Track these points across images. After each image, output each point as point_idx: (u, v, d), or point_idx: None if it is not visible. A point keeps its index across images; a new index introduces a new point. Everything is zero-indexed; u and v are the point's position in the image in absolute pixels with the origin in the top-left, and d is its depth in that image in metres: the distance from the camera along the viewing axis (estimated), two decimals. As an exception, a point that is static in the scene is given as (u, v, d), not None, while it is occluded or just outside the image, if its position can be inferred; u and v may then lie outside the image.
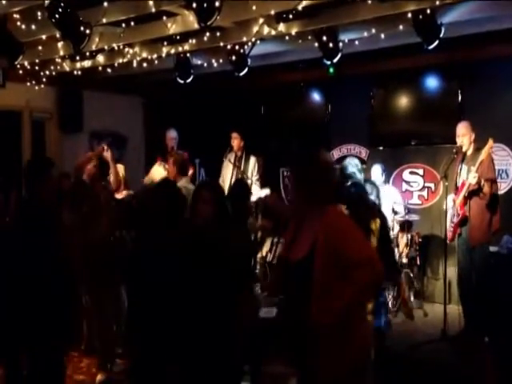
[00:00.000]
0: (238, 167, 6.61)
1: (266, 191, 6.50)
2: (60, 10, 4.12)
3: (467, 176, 4.92)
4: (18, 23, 4.78)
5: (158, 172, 5.55)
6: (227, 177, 6.76)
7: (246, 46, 5.53)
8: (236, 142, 6.72)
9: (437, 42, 4.59)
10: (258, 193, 6.42)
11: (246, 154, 6.74)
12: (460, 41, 5.24)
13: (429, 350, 4.80)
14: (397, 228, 5.97)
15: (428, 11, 4.37)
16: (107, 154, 4.94)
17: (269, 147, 7.62)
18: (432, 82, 6.46)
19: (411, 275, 5.95)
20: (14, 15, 4.66)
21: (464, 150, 5.11)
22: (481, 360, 4.40)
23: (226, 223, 3.04)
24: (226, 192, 6.50)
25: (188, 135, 7.21)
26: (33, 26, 4.82)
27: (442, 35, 4.57)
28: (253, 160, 6.71)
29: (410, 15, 4.51)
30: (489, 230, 4.99)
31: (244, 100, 7.62)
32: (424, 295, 6.29)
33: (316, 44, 5.11)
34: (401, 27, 4.77)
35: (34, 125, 7.31)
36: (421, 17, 4.42)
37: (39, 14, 4.55)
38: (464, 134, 5.09)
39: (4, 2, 4.32)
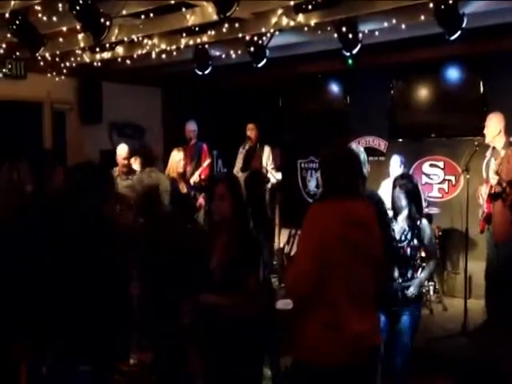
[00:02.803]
0: (252, 156, 6.70)
1: (279, 175, 6.69)
2: (81, 1, 4.16)
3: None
4: (40, 15, 4.81)
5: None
6: (240, 166, 6.83)
7: (264, 38, 5.51)
8: (253, 133, 6.77)
9: (459, 32, 4.50)
10: (273, 177, 6.58)
11: (260, 143, 6.79)
12: (483, 31, 5.13)
13: (448, 345, 4.76)
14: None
15: (450, 1, 4.28)
16: None
17: (287, 139, 7.60)
18: (453, 74, 6.35)
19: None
20: (36, 7, 4.70)
21: (486, 141, 5.02)
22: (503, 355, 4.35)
23: (245, 218, 2.96)
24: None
25: (206, 126, 7.23)
26: (54, 18, 4.86)
27: (464, 26, 4.49)
28: (267, 149, 6.77)
29: (431, 5, 4.43)
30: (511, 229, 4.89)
31: (262, 91, 7.60)
32: (444, 289, 6.24)
33: (335, 35, 5.06)
34: (422, 17, 4.69)
35: (54, 115, 7.39)
36: (443, 7, 4.33)
37: (60, 6, 4.57)
38: (486, 126, 5.01)
39: (26, -6, 4.37)
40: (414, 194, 3.66)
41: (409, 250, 3.61)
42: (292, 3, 4.54)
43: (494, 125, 4.97)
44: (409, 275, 3.61)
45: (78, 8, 4.20)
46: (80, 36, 5.68)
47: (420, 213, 3.70)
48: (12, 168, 3.36)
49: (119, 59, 6.43)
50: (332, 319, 2.41)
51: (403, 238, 3.62)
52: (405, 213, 3.63)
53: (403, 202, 3.61)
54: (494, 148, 5.02)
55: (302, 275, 2.39)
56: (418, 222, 3.65)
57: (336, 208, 2.47)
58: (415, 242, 3.61)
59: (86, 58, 6.56)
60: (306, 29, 5.12)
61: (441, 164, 6.54)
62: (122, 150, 6.15)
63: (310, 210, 2.50)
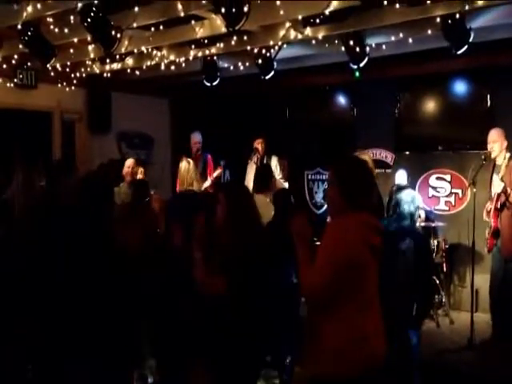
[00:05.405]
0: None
1: (285, 184, 6.69)
2: (92, 14, 4.23)
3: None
4: (51, 27, 4.91)
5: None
6: (251, 179, 6.84)
7: (272, 50, 5.56)
8: (261, 146, 6.81)
9: (466, 46, 4.54)
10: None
11: (268, 154, 6.81)
12: (489, 45, 5.16)
13: (455, 358, 4.73)
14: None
15: (457, 16, 4.31)
16: None
17: (294, 150, 7.63)
18: (460, 87, 6.36)
19: (437, 282, 5.87)
20: (48, 19, 4.79)
21: (493, 156, 5.02)
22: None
23: (240, 224, 2.99)
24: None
25: (214, 137, 7.27)
26: (65, 30, 4.95)
27: (471, 40, 4.52)
28: (275, 159, 6.78)
29: (438, 20, 4.46)
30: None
31: (269, 103, 7.65)
32: (450, 303, 6.20)
33: (343, 48, 5.10)
34: (429, 31, 4.73)
35: (64, 125, 7.47)
36: (450, 21, 4.37)
37: (72, 18, 4.66)
38: (495, 141, 5.01)
39: (38, 6, 4.44)
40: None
41: None
42: (300, 17, 4.59)
43: (501, 139, 5.00)
44: None
45: (89, 20, 4.27)
46: (90, 47, 5.76)
47: None
48: (30, 171, 3.47)
49: (129, 70, 6.52)
50: (357, 330, 2.42)
51: None
52: None
53: None
54: (494, 164, 5.03)
55: (319, 285, 2.37)
56: None
57: (361, 221, 2.48)
58: None
59: (96, 69, 6.64)
60: (313, 42, 5.17)
61: (448, 177, 6.53)
62: (129, 160, 6.38)
63: (334, 224, 2.52)
